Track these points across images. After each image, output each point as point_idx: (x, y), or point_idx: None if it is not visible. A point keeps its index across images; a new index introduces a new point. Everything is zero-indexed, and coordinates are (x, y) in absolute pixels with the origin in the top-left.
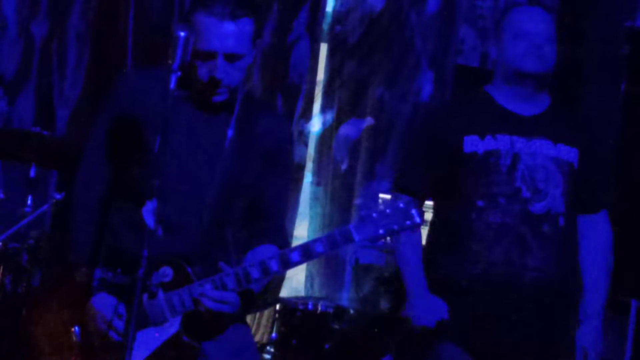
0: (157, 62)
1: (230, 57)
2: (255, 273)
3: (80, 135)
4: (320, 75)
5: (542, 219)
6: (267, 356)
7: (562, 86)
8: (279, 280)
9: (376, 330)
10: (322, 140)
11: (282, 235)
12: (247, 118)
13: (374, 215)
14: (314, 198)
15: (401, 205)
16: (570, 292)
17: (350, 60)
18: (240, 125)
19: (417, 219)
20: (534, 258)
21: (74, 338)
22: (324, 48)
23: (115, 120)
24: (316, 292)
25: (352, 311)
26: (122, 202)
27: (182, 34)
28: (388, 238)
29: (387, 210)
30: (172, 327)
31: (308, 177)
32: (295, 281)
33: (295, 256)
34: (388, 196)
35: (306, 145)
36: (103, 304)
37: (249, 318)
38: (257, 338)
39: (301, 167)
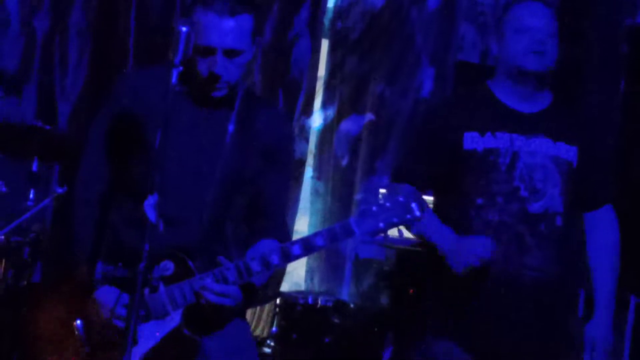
0: (158, 58)
1: (229, 53)
2: (256, 266)
3: (81, 130)
4: (321, 71)
5: (540, 218)
6: (267, 350)
7: (561, 84)
8: (280, 274)
9: (376, 329)
10: (323, 135)
11: (283, 230)
12: (247, 114)
13: (374, 209)
14: (315, 193)
15: (401, 199)
16: (569, 291)
17: (351, 57)
18: (241, 121)
19: (417, 213)
20: (532, 257)
21: (76, 332)
22: (325, 44)
23: (116, 117)
24: (316, 287)
25: (352, 305)
26: (123, 198)
27: (184, 29)
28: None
29: (387, 204)
30: (173, 320)
31: (309, 172)
32: (296, 276)
33: (296, 249)
34: None
35: (307, 140)
36: (106, 296)
37: (249, 312)
38: (257, 332)
39: (302, 163)
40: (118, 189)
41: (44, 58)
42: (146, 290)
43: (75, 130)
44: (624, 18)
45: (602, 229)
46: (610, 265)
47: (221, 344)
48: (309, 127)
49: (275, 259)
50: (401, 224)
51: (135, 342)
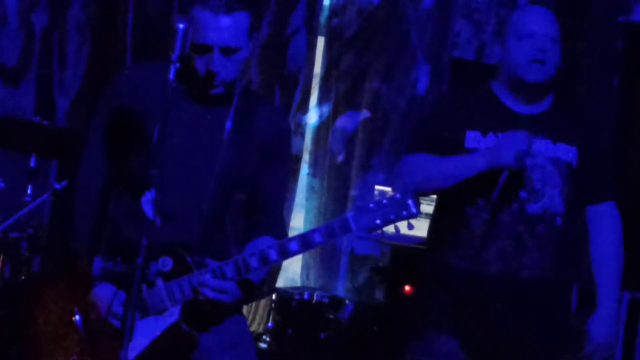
0: (155, 54)
1: (226, 51)
2: (254, 262)
3: (80, 125)
4: (317, 67)
5: (539, 219)
6: (263, 345)
7: (557, 82)
8: (276, 270)
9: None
10: (318, 132)
11: (280, 226)
12: (245, 111)
13: (371, 205)
14: (311, 189)
15: (398, 195)
16: (565, 288)
17: (347, 53)
18: (239, 118)
19: (414, 209)
20: (530, 257)
21: (76, 327)
22: (321, 41)
23: (115, 112)
24: (312, 282)
25: (347, 301)
26: (122, 193)
27: (181, 25)
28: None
29: (384, 201)
30: (172, 315)
31: (305, 169)
32: (292, 271)
33: (293, 246)
34: (384, 188)
35: (303, 137)
36: (103, 293)
37: (245, 308)
38: (253, 327)
39: (298, 159)
40: (117, 184)
41: (42, 53)
42: (144, 286)
43: (74, 126)
44: (619, 15)
45: (605, 225)
46: (614, 262)
47: (219, 339)
48: (305, 124)
49: (273, 255)
50: (398, 220)
51: (131, 335)
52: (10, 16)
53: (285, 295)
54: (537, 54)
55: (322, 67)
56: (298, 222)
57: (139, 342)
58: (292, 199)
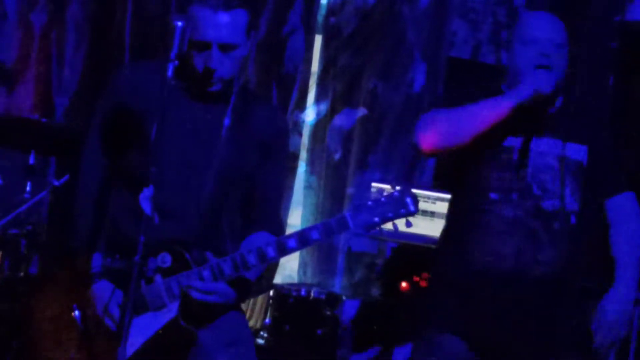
0: (154, 52)
1: (225, 48)
2: (252, 259)
3: (78, 123)
4: (315, 66)
5: (553, 216)
6: (260, 341)
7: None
8: (273, 267)
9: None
10: (316, 130)
11: (277, 223)
12: (243, 108)
13: (369, 203)
14: (308, 187)
15: (396, 193)
16: (578, 288)
17: (345, 52)
18: (237, 116)
19: (412, 207)
20: (544, 253)
21: (74, 322)
22: (318, 39)
23: (114, 111)
24: (309, 279)
25: (344, 298)
26: (121, 190)
27: (179, 24)
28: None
29: (382, 199)
30: (170, 312)
31: (302, 166)
32: (289, 268)
33: (291, 243)
34: (381, 185)
35: (300, 135)
36: (101, 292)
37: (243, 304)
38: (251, 323)
39: (295, 157)
40: (116, 181)
41: (41, 52)
42: (142, 282)
43: (72, 124)
44: (614, 15)
45: (627, 212)
46: (628, 255)
47: (217, 336)
48: (302, 122)
49: (271, 251)
50: (396, 218)
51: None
52: (10, 15)
53: (283, 291)
54: (542, 60)
55: (319, 66)
56: (295, 219)
57: (138, 338)
58: (290, 196)
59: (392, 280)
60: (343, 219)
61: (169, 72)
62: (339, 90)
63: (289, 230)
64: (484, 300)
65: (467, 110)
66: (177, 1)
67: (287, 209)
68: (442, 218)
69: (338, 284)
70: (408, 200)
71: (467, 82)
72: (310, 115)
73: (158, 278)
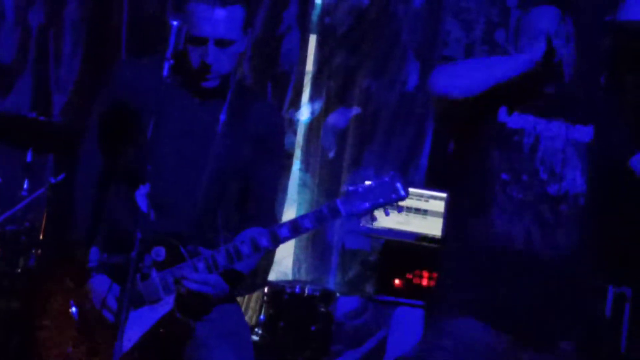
0: (150, 50)
1: (221, 43)
2: (245, 249)
3: (76, 120)
4: (309, 65)
5: (561, 199)
6: (255, 337)
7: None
8: (268, 264)
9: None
10: (310, 128)
11: (272, 218)
12: (239, 104)
13: (360, 190)
14: (302, 184)
15: (386, 179)
16: (589, 270)
17: (339, 51)
18: (233, 111)
19: (402, 192)
20: (553, 236)
21: (72, 318)
22: (313, 39)
23: (111, 107)
24: (303, 276)
25: (338, 294)
26: (119, 185)
27: (175, 23)
28: (374, 223)
29: (373, 184)
30: (166, 304)
31: (296, 164)
32: (284, 265)
33: (284, 232)
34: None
35: (295, 133)
36: (99, 285)
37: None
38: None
39: (290, 155)
40: (114, 177)
41: (38, 50)
42: (138, 278)
43: (70, 121)
44: (605, 14)
45: None
46: None
47: (214, 328)
48: (297, 120)
49: (264, 241)
50: (387, 204)
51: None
52: (8, 14)
53: (277, 288)
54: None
55: (314, 65)
56: (290, 217)
57: (135, 332)
58: (285, 194)
59: (385, 277)
60: (334, 205)
61: (165, 71)
62: (334, 89)
63: None
64: (497, 280)
65: (484, 61)
66: (173, 0)
67: (281, 206)
68: (435, 216)
69: (332, 281)
70: (398, 185)
71: None
72: (304, 113)
73: (153, 272)
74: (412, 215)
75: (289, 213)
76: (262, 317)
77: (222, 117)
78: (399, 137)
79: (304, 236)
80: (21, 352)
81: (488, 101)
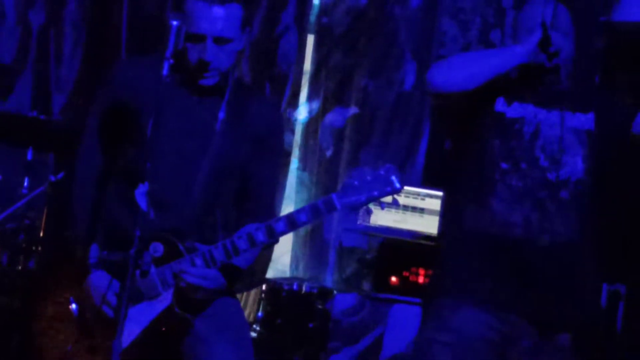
0: (150, 49)
1: (219, 41)
2: (242, 244)
3: (76, 119)
4: (307, 65)
5: (561, 185)
6: (253, 334)
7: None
8: (266, 261)
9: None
10: (308, 127)
11: (272, 215)
12: (238, 102)
13: (356, 183)
14: (300, 183)
15: (382, 172)
16: (589, 255)
17: (336, 51)
18: (231, 109)
19: (397, 185)
20: (553, 222)
21: (72, 315)
22: (310, 39)
23: (110, 106)
24: (301, 274)
25: (335, 292)
26: (118, 183)
27: (174, 23)
28: (370, 220)
29: (368, 178)
30: (165, 300)
31: (294, 163)
32: (281, 263)
33: (280, 226)
34: None
35: (293, 132)
36: (99, 281)
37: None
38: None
39: (288, 154)
40: (113, 175)
41: (39, 50)
42: (137, 274)
43: (70, 120)
44: (600, 14)
45: None
46: None
47: (212, 323)
48: (295, 119)
49: (260, 235)
50: (382, 196)
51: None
52: (9, 14)
53: (275, 286)
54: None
55: (311, 65)
56: None
57: (134, 328)
58: (283, 192)
59: (382, 275)
60: (330, 199)
61: (165, 71)
62: (331, 88)
63: None
64: (497, 269)
65: (480, 54)
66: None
67: (279, 205)
68: (432, 214)
69: (329, 279)
70: (393, 178)
71: None
72: (302, 113)
73: (152, 269)
74: (409, 214)
75: (288, 210)
76: (260, 314)
77: (221, 114)
78: (396, 136)
79: (302, 234)
80: (21, 349)
81: (486, 94)
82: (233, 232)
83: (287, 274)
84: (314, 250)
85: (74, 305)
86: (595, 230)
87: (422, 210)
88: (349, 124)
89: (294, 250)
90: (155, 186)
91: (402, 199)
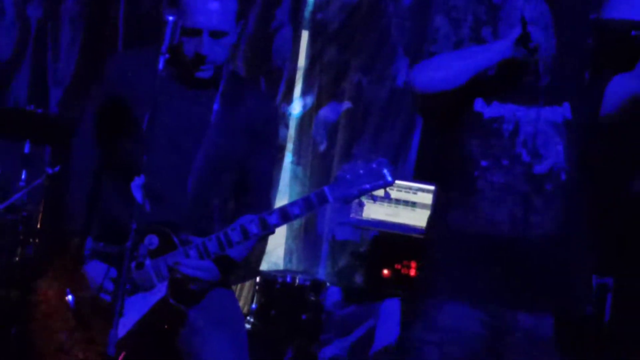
0: (147, 44)
1: (215, 34)
2: (236, 236)
3: (72, 113)
4: (301, 60)
5: (544, 177)
6: (247, 326)
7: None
8: (260, 254)
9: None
10: (302, 122)
11: (268, 207)
12: (232, 94)
13: (348, 176)
14: (294, 177)
15: (374, 165)
16: (577, 248)
17: (330, 47)
18: (226, 101)
19: (389, 179)
20: (538, 216)
21: (68, 305)
22: (305, 35)
23: (106, 97)
24: (294, 266)
25: (328, 284)
26: (113, 176)
27: (170, 18)
28: (362, 213)
29: (361, 171)
30: (159, 291)
31: (288, 157)
32: (275, 256)
33: (273, 219)
34: None
35: (287, 126)
36: (95, 270)
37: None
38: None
39: (282, 148)
40: (108, 168)
41: (37, 45)
42: (133, 266)
43: (67, 114)
44: (589, 11)
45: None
46: None
47: (207, 315)
48: (289, 114)
49: (253, 228)
50: (374, 189)
51: (121, 315)
52: (7, 9)
53: (269, 278)
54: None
55: (306, 60)
56: None
57: (129, 319)
58: (277, 186)
59: (374, 268)
60: (322, 192)
61: (160, 65)
62: (325, 84)
63: None
64: (483, 265)
65: (462, 52)
66: None
67: (274, 198)
68: (424, 208)
69: (322, 271)
70: (385, 171)
71: None
72: (296, 108)
73: (147, 261)
74: (401, 208)
75: (282, 204)
76: (254, 305)
77: (215, 106)
78: (388, 131)
79: (296, 227)
80: (19, 340)
81: (466, 93)
82: (230, 223)
83: (281, 267)
84: (307, 243)
85: (70, 297)
86: (582, 220)
87: (414, 204)
88: (343, 119)
89: (287, 243)
90: (151, 179)
91: (394, 193)
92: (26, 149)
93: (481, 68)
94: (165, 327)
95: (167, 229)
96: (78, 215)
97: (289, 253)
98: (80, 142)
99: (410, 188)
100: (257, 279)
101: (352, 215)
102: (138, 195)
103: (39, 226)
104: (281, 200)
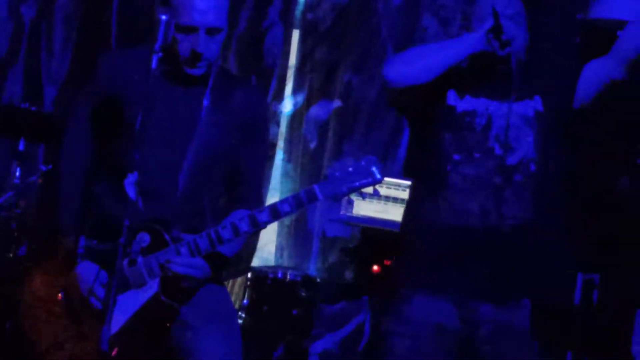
0: (140, 42)
1: (211, 31)
2: (226, 234)
3: (66, 111)
4: (292, 59)
5: (515, 168)
6: (239, 321)
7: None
8: (251, 250)
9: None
10: (293, 120)
11: (259, 202)
12: (222, 89)
13: (337, 174)
14: (285, 174)
15: (363, 163)
16: (550, 237)
17: (321, 46)
18: (215, 96)
19: (378, 176)
20: (509, 207)
21: (61, 304)
22: (296, 34)
23: (98, 95)
24: (285, 262)
25: (318, 280)
26: (106, 174)
27: (163, 17)
28: (353, 210)
29: (350, 169)
30: (151, 288)
31: (279, 155)
32: (266, 252)
33: (264, 216)
34: None
35: (278, 124)
36: (86, 271)
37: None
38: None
39: (273, 145)
40: (101, 165)
41: (30, 43)
42: (125, 263)
43: (61, 112)
44: (576, 11)
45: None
46: None
47: (200, 311)
48: (280, 112)
49: (244, 225)
50: (362, 187)
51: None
52: (1, 8)
53: (261, 274)
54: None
55: (296, 59)
56: None
57: (121, 316)
58: (268, 183)
59: (364, 264)
60: (312, 190)
61: (153, 64)
62: (315, 82)
63: None
64: (455, 257)
65: (434, 46)
66: None
67: (265, 195)
68: None
69: (313, 267)
70: (374, 169)
71: None
72: (287, 106)
73: (139, 258)
74: (390, 204)
75: (273, 201)
76: (245, 301)
77: (205, 101)
78: (378, 129)
79: (287, 224)
80: (12, 336)
81: (438, 87)
82: (222, 219)
83: (272, 263)
84: (298, 239)
85: (61, 294)
86: (555, 209)
87: (403, 201)
88: (333, 117)
89: (278, 239)
90: (143, 176)
91: (383, 190)
92: (20, 147)
93: (453, 61)
94: (157, 323)
95: (158, 226)
96: (70, 214)
97: (280, 249)
98: (72, 140)
99: (399, 185)
100: (249, 275)
101: (342, 212)
102: (131, 192)
103: (32, 223)
104: (272, 197)
